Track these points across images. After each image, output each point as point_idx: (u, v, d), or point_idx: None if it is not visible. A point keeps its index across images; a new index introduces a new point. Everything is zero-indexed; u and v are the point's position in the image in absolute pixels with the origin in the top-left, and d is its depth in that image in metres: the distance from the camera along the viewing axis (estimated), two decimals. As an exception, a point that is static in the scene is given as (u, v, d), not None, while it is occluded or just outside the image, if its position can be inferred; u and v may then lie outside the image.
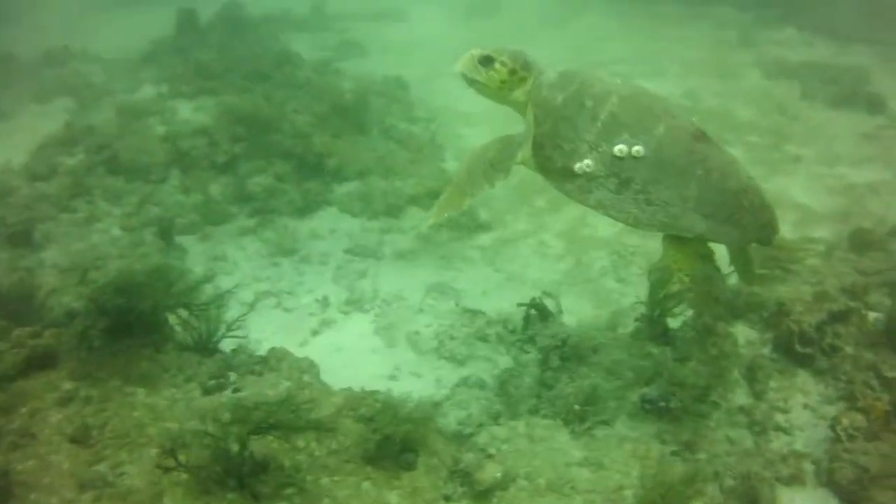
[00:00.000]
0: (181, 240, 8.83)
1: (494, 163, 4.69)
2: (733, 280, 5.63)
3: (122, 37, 15.72)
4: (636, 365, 5.92)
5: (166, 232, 8.31)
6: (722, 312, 4.85)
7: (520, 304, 6.77)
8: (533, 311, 6.70)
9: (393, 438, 4.93)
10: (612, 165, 4.38)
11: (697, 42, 17.06)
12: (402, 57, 16.02)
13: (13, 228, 8.07)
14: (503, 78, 4.69)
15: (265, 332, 7.32)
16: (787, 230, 8.43)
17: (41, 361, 5.60)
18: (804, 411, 5.63)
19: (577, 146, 4.44)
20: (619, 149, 4.34)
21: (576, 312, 7.52)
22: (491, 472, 4.87)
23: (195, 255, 8.59)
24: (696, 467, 4.91)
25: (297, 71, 12.73)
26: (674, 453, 5.31)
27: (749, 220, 4.51)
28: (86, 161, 9.61)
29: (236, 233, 9.11)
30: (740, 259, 5.08)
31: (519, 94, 4.74)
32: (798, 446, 5.39)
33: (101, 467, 4.79)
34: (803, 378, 5.82)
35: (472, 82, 4.79)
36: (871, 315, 5.96)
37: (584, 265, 8.77)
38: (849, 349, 5.78)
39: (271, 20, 16.97)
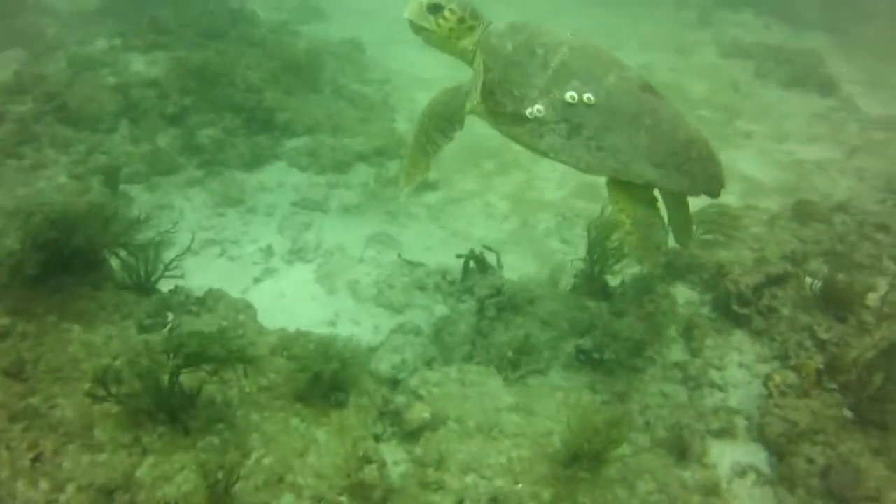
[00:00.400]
0: (129, 189, 8.85)
1: (446, 115, 4.70)
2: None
3: (78, -10, 15.46)
4: (572, 317, 6.07)
5: (112, 180, 8.30)
6: (660, 260, 4.69)
7: (459, 256, 6.90)
8: (472, 264, 6.82)
9: (323, 377, 5.02)
10: (563, 111, 4.44)
11: (657, 20, 17.33)
12: (361, 22, 15.99)
13: (-45, 171, 8.01)
14: (451, 26, 4.68)
15: (208, 279, 7.34)
16: (733, 201, 8.74)
17: (-24, 297, 5.60)
18: (739, 369, 5.81)
19: (527, 92, 4.48)
20: (571, 95, 4.41)
21: (518, 269, 7.71)
22: (419, 413, 5.00)
23: (141, 204, 8.57)
24: (622, 411, 5.07)
25: (253, 29, 12.68)
26: (605, 403, 5.48)
27: (698, 169, 4.57)
28: (34, 109, 9.53)
29: (184, 183, 9.13)
30: (680, 218, 5.19)
31: (467, 42, 4.74)
32: (732, 402, 5.56)
33: (34, 400, 4.81)
34: (739, 337, 6.02)
35: (419, 30, 4.78)
36: (809, 280, 6.13)
37: (530, 226, 8.95)
38: (785, 311, 5.95)
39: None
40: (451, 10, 4.67)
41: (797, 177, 10.16)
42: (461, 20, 4.69)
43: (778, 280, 6.10)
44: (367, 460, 4.56)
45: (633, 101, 4.47)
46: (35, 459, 4.34)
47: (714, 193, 4.73)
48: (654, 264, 4.74)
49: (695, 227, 7.03)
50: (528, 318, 6.08)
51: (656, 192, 4.79)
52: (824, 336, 5.69)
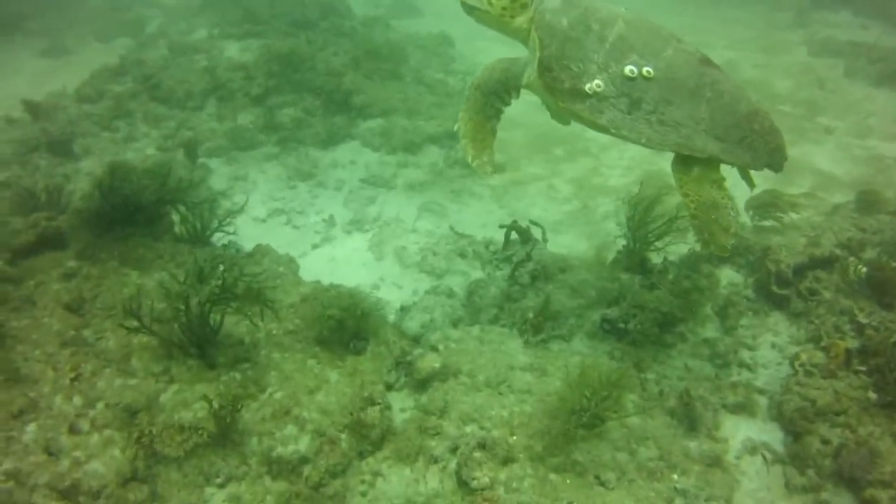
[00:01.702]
0: (210, 161, 9.45)
1: (503, 82, 4.78)
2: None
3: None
4: (602, 287, 6.11)
5: (191, 151, 8.89)
6: (729, 243, 4.48)
7: (501, 226, 7.06)
8: (514, 234, 6.96)
9: (345, 324, 5.33)
10: (623, 85, 4.37)
11: (750, 21, 16.92)
12: (454, 19, 16.24)
13: (55, 139, 8.78)
14: (504, 4, 4.62)
15: (272, 243, 7.80)
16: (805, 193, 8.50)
17: (53, 242, 6.21)
18: (771, 350, 5.69)
19: (586, 66, 4.40)
20: (630, 69, 4.34)
21: (571, 248, 7.77)
22: (430, 363, 5.21)
23: (219, 175, 9.20)
24: (622, 370, 5.09)
25: (344, 21, 13.17)
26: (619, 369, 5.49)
27: (760, 143, 4.46)
28: (132, 88, 10.32)
29: (261, 158, 9.66)
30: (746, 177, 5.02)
31: (521, 20, 4.66)
32: (758, 382, 5.46)
33: (86, 332, 5.34)
34: (776, 319, 5.89)
35: (471, 10, 4.76)
36: (856, 265, 5.85)
37: (589, 209, 8.99)
38: (827, 294, 5.77)
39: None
40: None
41: (875, 172, 9.73)
42: None
43: (823, 263, 5.95)
44: (371, 402, 4.81)
45: (692, 73, 4.40)
46: (74, 379, 4.83)
47: (777, 167, 4.60)
48: (721, 248, 4.55)
49: (750, 212, 6.97)
50: (557, 286, 6.17)
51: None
52: (864, 320, 5.45)
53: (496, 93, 4.86)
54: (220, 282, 4.93)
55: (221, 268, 5.11)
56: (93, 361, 4.99)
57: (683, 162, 4.58)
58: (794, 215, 6.87)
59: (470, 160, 4.88)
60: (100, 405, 4.65)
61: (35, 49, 14.52)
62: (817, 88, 12.66)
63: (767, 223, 6.81)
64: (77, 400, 4.66)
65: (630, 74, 4.35)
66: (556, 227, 8.31)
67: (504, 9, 4.65)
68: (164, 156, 9.20)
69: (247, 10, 12.73)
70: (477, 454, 4.44)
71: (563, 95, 4.52)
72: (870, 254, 6.34)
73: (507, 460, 4.49)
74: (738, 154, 4.48)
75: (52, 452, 4.30)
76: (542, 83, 4.58)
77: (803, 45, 14.99)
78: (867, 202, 7.15)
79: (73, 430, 4.44)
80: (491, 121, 4.94)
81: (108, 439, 4.42)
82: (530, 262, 6.35)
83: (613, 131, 4.47)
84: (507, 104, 4.91)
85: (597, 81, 4.39)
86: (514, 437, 4.66)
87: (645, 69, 4.35)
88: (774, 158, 4.55)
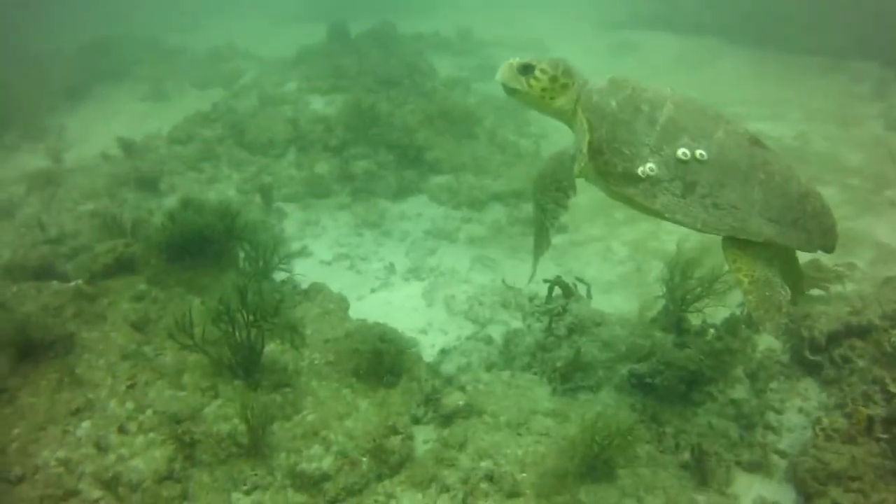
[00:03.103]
0: (286, 206, 10.07)
1: (555, 183, 4.64)
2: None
3: (284, 43, 17.60)
4: (633, 342, 6.30)
5: (267, 195, 9.51)
6: (782, 322, 4.38)
7: (545, 280, 7.31)
8: (557, 289, 7.20)
9: (382, 360, 5.69)
10: (676, 169, 4.29)
11: (827, 92, 16.75)
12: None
13: (145, 175, 9.56)
14: (544, 85, 4.51)
15: (335, 285, 8.25)
16: (862, 265, 8.49)
17: (129, 267, 6.82)
18: (798, 414, 5.73)
19: (638, 150, 4.32)
20: (683, 152, 4.28)
21: (619, 308, 7.95)
22: (455, 400, 5.50)
23: (293, 219, 9.79)
24: (634, 420, 5.24)
25: (426, 81, 13.84)
26: (640, 421, 5.58)
27: (813, 224, 4.46)
28: (220, 134, 11.12)
29: (334, 206, 10.23)
30: (790, 273, 5.02)
31: (563, 101, 4.56)
32: (782, 445, 5.49)
33: (146, 348, 5.86)
34: (807, 384, 5.95)
35: (512, 92, 4.61)
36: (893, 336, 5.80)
37: (643, 271, 9.13)
38: (861, 363, 5.76)
39: (419, 39, 18.27)
40: (543, 70, 4.50)
41: (937, 247, 9.57)
42: (553, 79, 4.50)
43: (860, 332, 5.94)
44: (394, 430, 5.11)
45: (744, 155, 4.36)
46: (130, 387, 5.31)
47: (829, 248, 4.58)
48: (776, 327, 4.44)
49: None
50: (591, 339, 6.37)
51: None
52: (894, 390, 5.38)
53: (553, 199, 4.66)
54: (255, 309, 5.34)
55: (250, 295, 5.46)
56: (148, 373, 5.47)
57: (735, 241, 4.49)
58: (839, 287, 6.88)
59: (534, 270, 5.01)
60: (149, 411, 5.09)
61: (138, 93, 15.88)
62: (889, 162, 12.50)
63: (815, 293, 6.84)
64: (129, 405, 5.13)
65: (683, 157, 4.29)
66: (608, 288, 8.50)
67: (544, 90, 4.53)
68: (242, 197, 9.86)
69: (336, 66, 13.55)
70: (483, 485, 4.68)
71: (615, 179, 4.41)
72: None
73: (512, 494, 4.71)
74: (792, 236, 4.45)
75: (101, 447, 4.77)
76: (593, 167, 4.46)
77: (879, 119, 14.79)
78: None
79: (122, 430, 4.90)
80: (551, 230, 4.79)
81: (151, 441, 4.85)
82: (568, 316, 6.57)
83: (668, 216, 4.37)
84: (566, 208, 4.71)
85: (650, 165, 4.31)
86: (524, 474, 4.87)
87: (698, 152, 4.29)
88: (827, 240, 4.56)
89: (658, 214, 4.42)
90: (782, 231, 4.41)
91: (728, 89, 17.11)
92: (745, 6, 21.65)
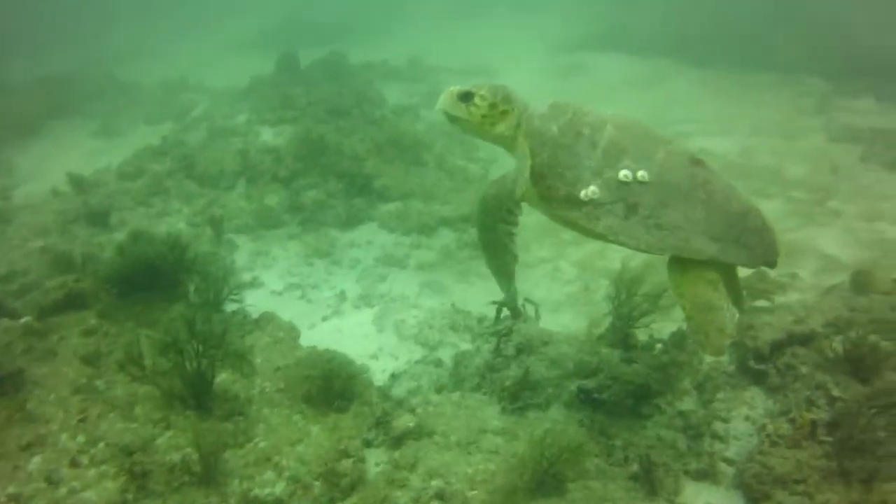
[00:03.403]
0: (237, 238, 10.14)
1: (499, 205, 4.71)
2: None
3: (236, 73, 17.72)
4: (580, 360, 6.48)
5: (217, 227, 9.59)
6: (725, 344, 4.50)
7: (493, 302, 7.49)
8: (505, 310, 7.38)
9: (331, 386, 5.81)
10: (618, 191, 4.33)
11: (773, 108, 17.34)
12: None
13: (94, 211, 9.59)
14: (484, 112, 4.58)
15: (286, 314, 8.34)
16: (806, 276, 8.83)
17: (79, 302, 6.83)
18: (745, 422, 5.88)
19: (579, 173, 4.37)
20: (625, 174, 4.32)
21: (568, 327, 8.16)
22: (405, 422, 5.61)
23: (243, 250, 9.88)
24: (583, 435, 5.42)
25: (375, 110, 14.05)
26: (589, 436, 5.71)
27: (755, 241, 4.51)
28: (169, 167, 11.18)
29: (284, 237, 10.34)
30: (730, 289, 5.05)
31: (503, 128, 4.62)
32: (729, 453, 5.64)
33: (98, 382, 5.88)
34: (753, 393, 6.11)
35: (453, 119, 4.69)
36: (835, 342, 6.02)
37: (591, 290, 9.38)
38: (804, 369, 5.95)
39: (369, 68, 18.51)
40: (482, 97, 4.58)
41: (880, 254, 9.91)
42: (493, 105, 4.58)
43: (802, 340, 6.15)
44: (345, 454, 5.21)
45: (685, 175, 4.41)
46: (81, 420, 5.35)
47: (772, 264, 4.66)
48: (717, 349, 4.58)
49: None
50: (538, 358, 6.54)
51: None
52: (837, 394, 5.58)
53: (497, 216, 4.78)
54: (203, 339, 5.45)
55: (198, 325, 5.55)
56: (100, 407, 5.51)
57: (678, 262, 4.57)
58: (782, 297, 7.12)
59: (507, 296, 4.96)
60: (101, 444, 5.12)
61: (90, 130, 15.89)
62: (831, 174, 12.94)
63: (760, 304, 7.06)
64: (81, 438, 5.16)
65: (625, 179, 4.33)
66: (557, 307, 8.72)
67: (484, 116, 4.60)
68: (192, 230, 9.92)
69: (285, 96, 13.69)
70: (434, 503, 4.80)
71: (558, 204, 4.46)
72: (857, 332, 6.49)
73: (463, 511, 4.84)
74: (735, 253, 4.50)
75: (52, 481, 4.79)
76: (536, 192, 4.51)
77: (823, 131, 15.33)
78: (861, 283, 7.31)
79: (73, 463, 4.93)
80: (510, 246, 4.96)
81: (103, 473, 4.88)
82: (516, 336, 6.75)
83: (611, 238, 4.42)
84: (514, 224, 4.87)
85: (592, 188, 4.35)
86: (475, 492, 4.99)
87: (639, 173, 4.33)
88: (769, 255, 4.60)
89: (602, 237, 4.47)
90: (725, 248, 4.46)
91: (678, 107, 17.70)
92: (695, 27, 22.44)
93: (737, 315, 4.74)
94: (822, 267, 9.63)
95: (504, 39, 25.91)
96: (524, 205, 4.79)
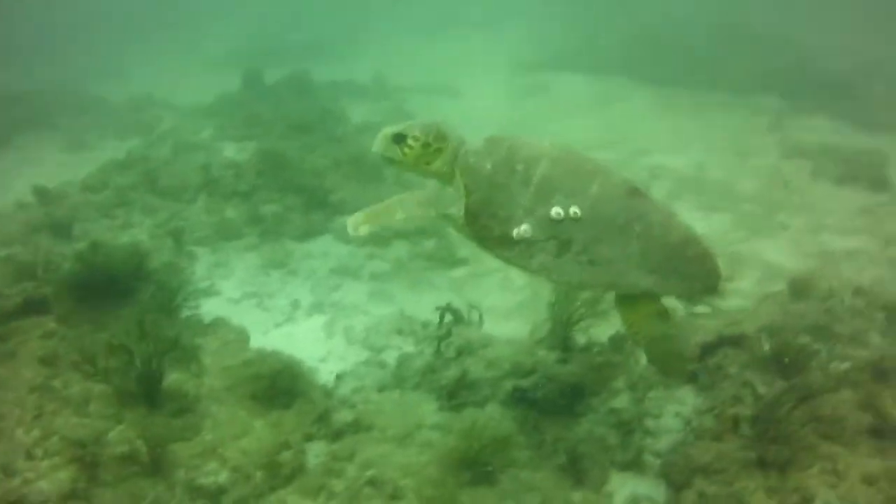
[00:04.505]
0: (196, 249, 10.48)
1: (427, 208, 4.59)
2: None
3: (203, 90, 18.08)
4: (517, 361, 6.86)
5: (178, 239, 9.94)
6: (685, 368, 4.85)
7: (437, 308, 7.88)
8: (449, 316, 7.78)
9: (277, 384, 6.21)
10: (551, 228, 4.30)
11: (728, 125, 17.83)
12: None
13: (58, 222, 9.90)
14: (417, 153, 4.47)
15: (242, 321, 8.65)
16: (749, 285, 9.27)
17: (39, 307, 7.14)
18: (675, 419, 6.27)
19: (512, 212, 4.32)
20: (556, 211, 4.28)
21: (517, 332, 8.54)
22: (345, 417, 6.04)
23: (203, 261, 10.21)
24: (510, 428, 5.83)
25: (338, 126, 14.46)
26: (522, 431, 6.10)
27: (695, 269, 4.49)
28: (133, 181, 11.50)
29: (242, 248, 10.69)
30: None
31: (438, 165, 4.50)
32: (658, 447, 6.05)
33: (55, 382, 6.18)
34: (684, 391, 6.49)
35: (389, 161, 4.59)
36: (764, 343, 6.39)
37: (539, 298, 9.73)
38: (733, 369, 6.33)
39: (334, 86, 18.95)
40: (415, 137, 4.46)
41: (822, 264, 10.33)
42: (426, 145, 4.46)
43: (732, 342, 6.57)
44: (286, 446, 5.61)
45: (619, 208, 4.33)
46: (36, 417, 5.66)
47: (713, 290, 4.64)
48: (680, 374, 4.84)
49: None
50: (477, 360, 6.94)
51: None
52: (762, 391, 5.92)
53: (417, 204, 4.63)
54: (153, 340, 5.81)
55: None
56: (56, 404, 5.81)
57: (626, 299, 4.61)
58: (721, 303, 7.50)
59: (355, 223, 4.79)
60: (54, 438, 5.44)
61: (58, 144, 16.11)
62: (782, 188, 13.43)
63: (701, 310, 7.45)
64: (36, 433, 5.47)
65: (557, 217, 4.29)
66: (507, 315, 9.10)
67: (418, 157, 4.49)
68: (154, 242, 10.23)
69: (250, 113, 14.09)
70: (366, 490, 5.19)
71: (492, 243, 4.44)
72: (790, 336, 6.85)
73: (394, 497, 5.22)
74: (672, 285, 4.50)
75: (7, 472, 5.10)
76: (471, 231, 4.48)
77: (775, 148, 15.80)
78: (799, 290, 7.66)
79: (28, 455, 5.26)
80: (402, 215, 4.69)
81: (56, 464, 5.21)
82: (457, 339, 7.15)
83: (545, 276, 4.43)
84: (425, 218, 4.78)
85: (524, 227, 4.31)
86: (407, 480, 5.39)
87: (572, 210, 4.28)
88: (710, 280, 4.56)
89: (536, 274, 4.47)
90: (661, 280, 4.45)
91: (635, 124, 18.22)
92: (653, 48, 23.16)
93: (691, 338, 4.87)
94: (764, 275, 9.98)
95: (468, 58, 26.47)
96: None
